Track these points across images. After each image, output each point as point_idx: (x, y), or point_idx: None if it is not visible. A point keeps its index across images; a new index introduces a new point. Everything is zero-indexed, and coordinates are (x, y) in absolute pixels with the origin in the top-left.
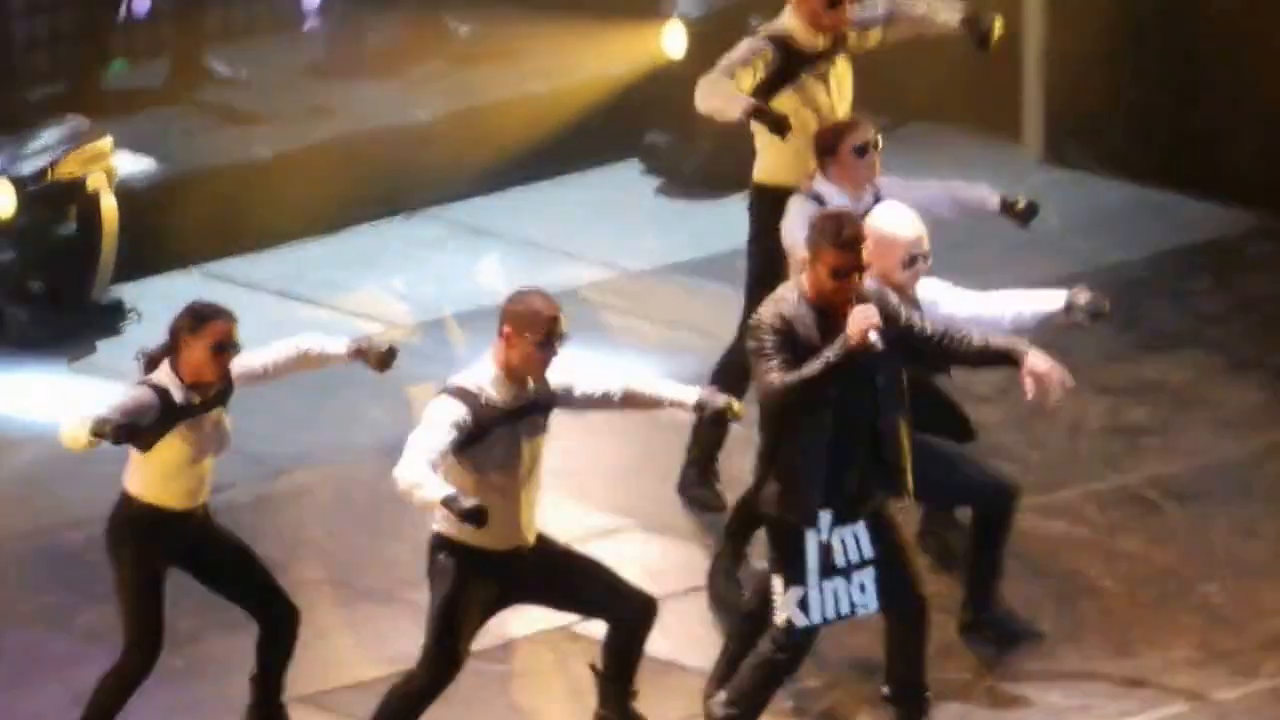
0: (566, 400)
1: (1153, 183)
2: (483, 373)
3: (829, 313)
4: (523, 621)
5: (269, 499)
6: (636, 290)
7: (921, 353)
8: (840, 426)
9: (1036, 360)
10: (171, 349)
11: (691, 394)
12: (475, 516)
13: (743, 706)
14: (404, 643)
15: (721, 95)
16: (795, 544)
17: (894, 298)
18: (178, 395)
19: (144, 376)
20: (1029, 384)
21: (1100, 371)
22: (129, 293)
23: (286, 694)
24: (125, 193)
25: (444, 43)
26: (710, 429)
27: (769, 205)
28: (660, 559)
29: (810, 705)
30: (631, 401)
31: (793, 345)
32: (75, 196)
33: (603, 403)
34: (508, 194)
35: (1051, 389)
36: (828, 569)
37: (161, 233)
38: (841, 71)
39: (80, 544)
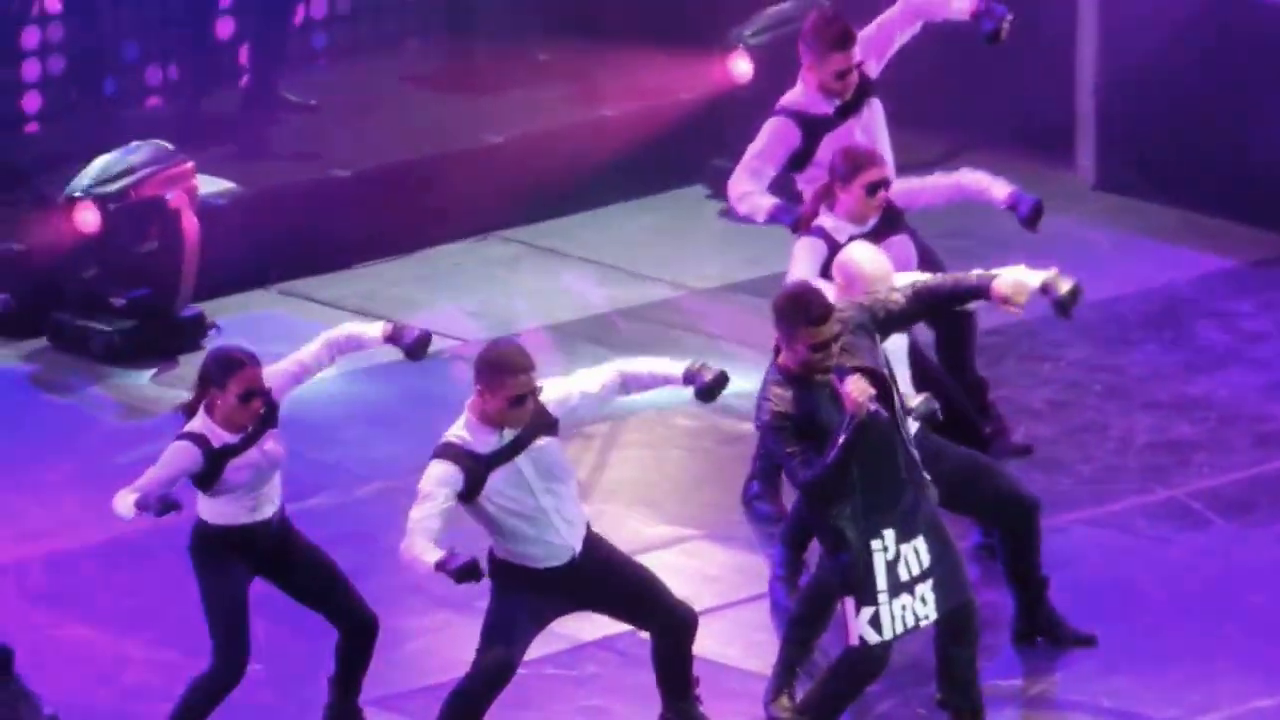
0: (568, 416)
1: (1200, 208)
2: (467, 423)
3: (813, 382)
4: (592, 626)
5: (350, 507)
6: (701, 309)
7: (914, 315)
8: (872, 460)
9: (1001, 284)
10: (202, 397)
11: (679, 367)
12: (469, 575)
13: (812, 717)
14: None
15: (748, 204)
16: (865, 565)
17: (865, 310)
18: (216, 441)
19: (184, 427)
20: (1001, 307)
21: (1149, 387)
22: (209, 308)
23: (363, 697)
24: (206, 212)
25: (520, 68)
26: (703, 402)
27: None
28: (722, 567)
29: (866, 711)
30: (631, 386)
31: (802, 429)
32: (158, 216)
33: (604, 397)
34: (578, 216)
35: (1016, 305)
36: (896, 586)
37: (240, 251)
38: (867, 118)
39: None
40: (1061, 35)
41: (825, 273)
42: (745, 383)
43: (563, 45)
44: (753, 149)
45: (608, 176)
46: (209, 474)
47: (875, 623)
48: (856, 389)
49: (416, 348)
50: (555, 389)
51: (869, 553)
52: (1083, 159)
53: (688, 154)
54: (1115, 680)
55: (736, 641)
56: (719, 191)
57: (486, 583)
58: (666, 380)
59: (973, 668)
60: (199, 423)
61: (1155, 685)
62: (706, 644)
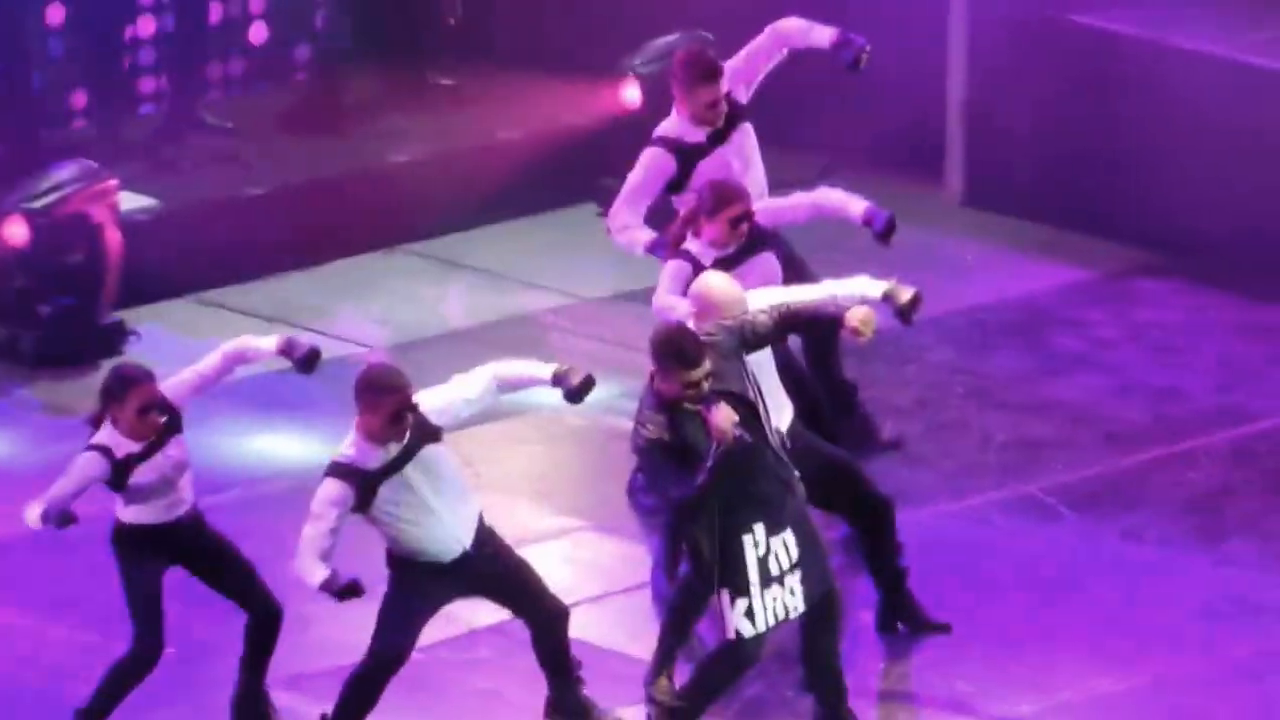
0: (451, 422)
1: (1059, 224)
2: (354, 442)
3: (684, 410)
4: (485, 613)
5: (259, 501)
6: (591, 316)
7: (778, 336)
8: (739, 473)
9: (852, 316)
10: (105, 411)
11: (549, 370)
12: (349, 594)
13: (691, 702)
14: None
15: (626, 237)
16: (737, 559)
17: (734, 333)
18: (120, 451)
19: (91, 438)
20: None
21: (1007, 389)
22: (130, 316)
23: (269, 678)
24: (128, 226)
25: (425, 92)
26: (571, 403)
27: None
28: (609, 557)
29: (736, 695)
30: (505, 387)
31: (674, 452)
32: (83, 230)
33: (482, 399)
34: (477, 230)
35: (864, 335)
36: (766, 579)
37: (160, 263)
38: (739, 142)
39: None
40: (932, 62)
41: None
42: (631, 384)
43: (464, 72)
44: (631, 180)
45: (505, 194)
46: (116, 480)
47: (750, 615)
48: (722, 419)
49: (307, 361)
50: (435, 398)
51: (741, 548)
52: (951, 178)
53: (580, 174)
54: (968, 665)
55: (620, 627)
56: (608, 209)
57: (384, 570)
58: (537, 381)
59: (836, 653)
60: (105, 434)
61: (1005, 670)
62: (592, 629)
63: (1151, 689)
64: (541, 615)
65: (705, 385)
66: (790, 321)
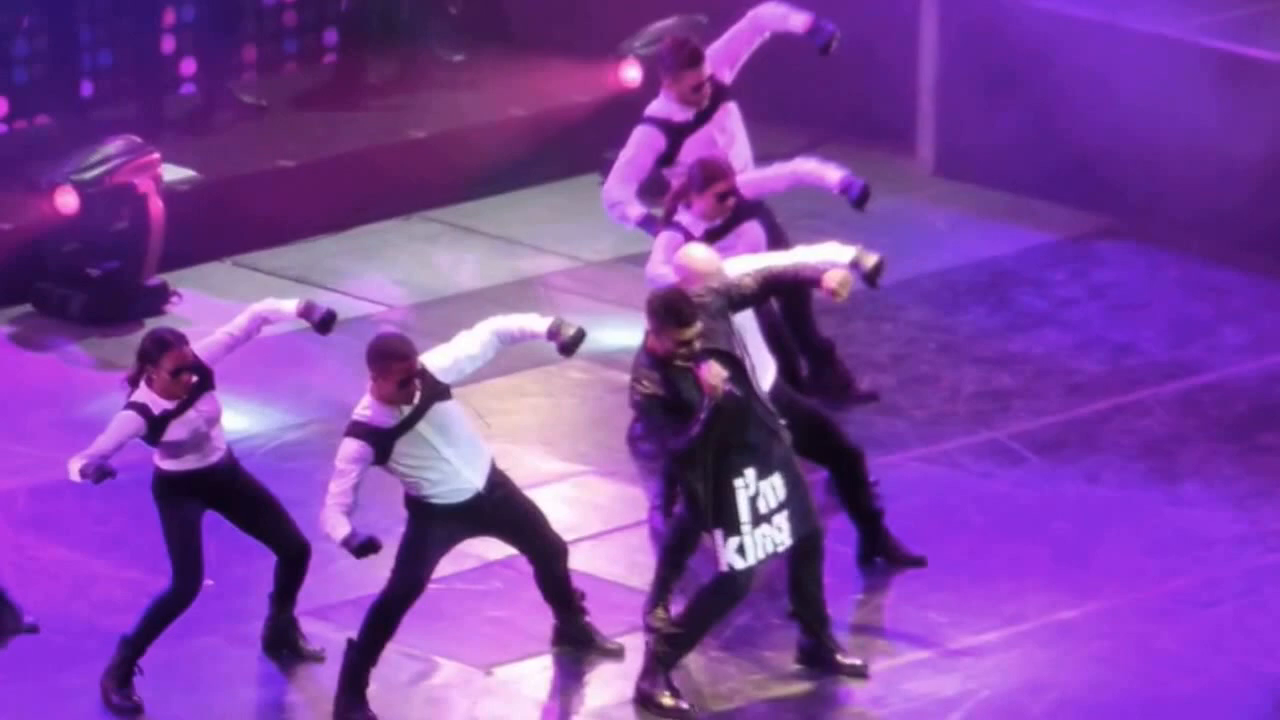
0: (457, 378)
1: (1023, 191)
2: (370, 404)
3: (677, 367)
4: (498, 548)
5: (288, 445)
6: (595, 278)
7: (762, 297)
8: (730, 425)
9: (829, 278)
10: (141, 372)
11: (544, 324)
12: (367, 551)
13: (686, 629)
14: None
15: (618, 211)
16: (729, 501)
17: (722, 295)
18: (156, 408)
19: (129, 397)
20: (829, 297)
21: (975, 345)
22: (171, 278)
23: (298, 609)
24: (170, 196)
25: (440, 73)
26: (564, 356)
27: None
28: (609, 497)
29: (727, 623)
30: (504, 341)
31: (669, 406)
32: (128, 199)
33: (485, 355)
34: (490, 199)
35: (840, 296)
36: (756, 518)
37: (199, 229)
38: (722, 120)
39: None
40: (904, 41)
41: None
42: (630, 339)
43: (477, 54)
44: (623, 157)
45: (514, 166)
46: (152, 435)
47: (741, 551)
48: (712, 375)
49: (324, 323)
50: (441, 358)
51: (732, 490)
52: (923, 149)
53: (583, 147)
54: (942, 595)
55: (620, 561)
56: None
57: (402, 512)
58: (534, 335)
59: (819, 584)
60: (142, 393)
61: (976, 599)
62: (595, 563)
63: (1109, 616)
64: (544, 551)
65: (696, 344)
66: (772, 284)
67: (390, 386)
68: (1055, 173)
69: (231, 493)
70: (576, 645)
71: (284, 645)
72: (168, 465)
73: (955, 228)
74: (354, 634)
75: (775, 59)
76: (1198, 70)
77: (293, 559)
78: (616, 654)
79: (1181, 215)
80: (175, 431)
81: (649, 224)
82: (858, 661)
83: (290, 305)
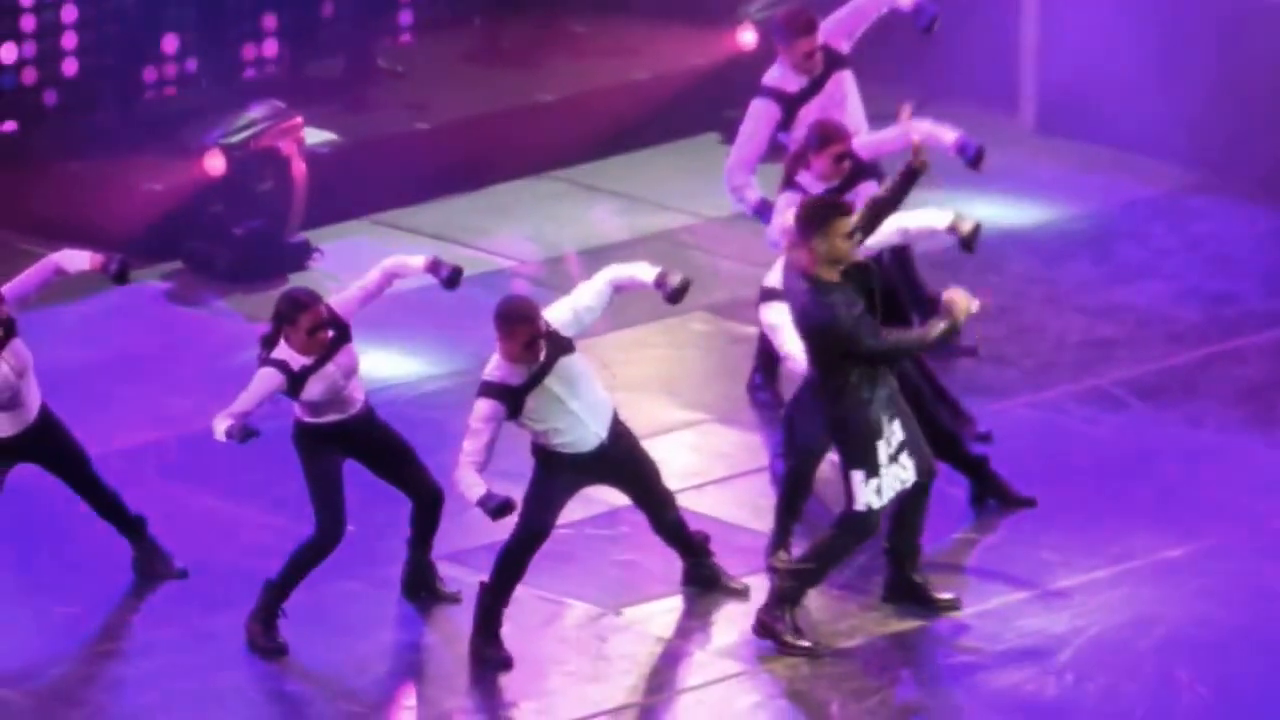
0: (578, 331)
1: (1122, 146)
2: (499, 364)
3: (835, 285)
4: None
5: (426, 395)
6: (715, 233)
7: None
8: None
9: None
10: (279, 331)
11: (652, 273)
12: (502, 512)
13: (814, 565)
14: None
15: (738, 195)
16: (870, 442)
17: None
18: (295, 364)
19: (267, 355)
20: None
21: (1079, 295)
22: (314, 236)
23: (433, 553)
24: (312, 158)
25: (564, 40)
26: (671, 303)
27: None
28: (731, 445)
29: (845, 564)
30: (621, 289)
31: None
32: (272, 161)
33: (601, 305)
34: (614, 159)
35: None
36: (890, 458)
37: (340, 189)
38: (833, 88)
39: None
40: (1007, 6)
41: None
42: (749, 292)
43: (599, 21)
44: (743, 133)
45: (637, 127)
46: (293, 390)
47: (878, 491)
48: (965, 298)
49: (450, 279)
50: (562, 312)
51: (879, 431)
52: (1025, 107)
53: (703, 108)
54: (1051, 535)
55: (746, 506)
56: (729, 138)
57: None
58: (642, 285)
59: (922, 519)
60: (281, 350)
61: (1083, 539)
62: (720, 508)
63: (1211, 556)
64: (655, 502)
65: (856, 238)
66: (874, 204)
67: (516, 347)
68: (1153, 129)
69: (369, 442)
70: (704, 586)
71: (422, 588)
72: (308, 418)
73: (1056, 182)
74: (485, 577)
75: (880, 21)
76: None
77: (428, 505)
78: (742, 593)
79: (1277, 170)
80: (314, 385)
81: (764, 210)
82: (950, 595)
83: (418, 261)
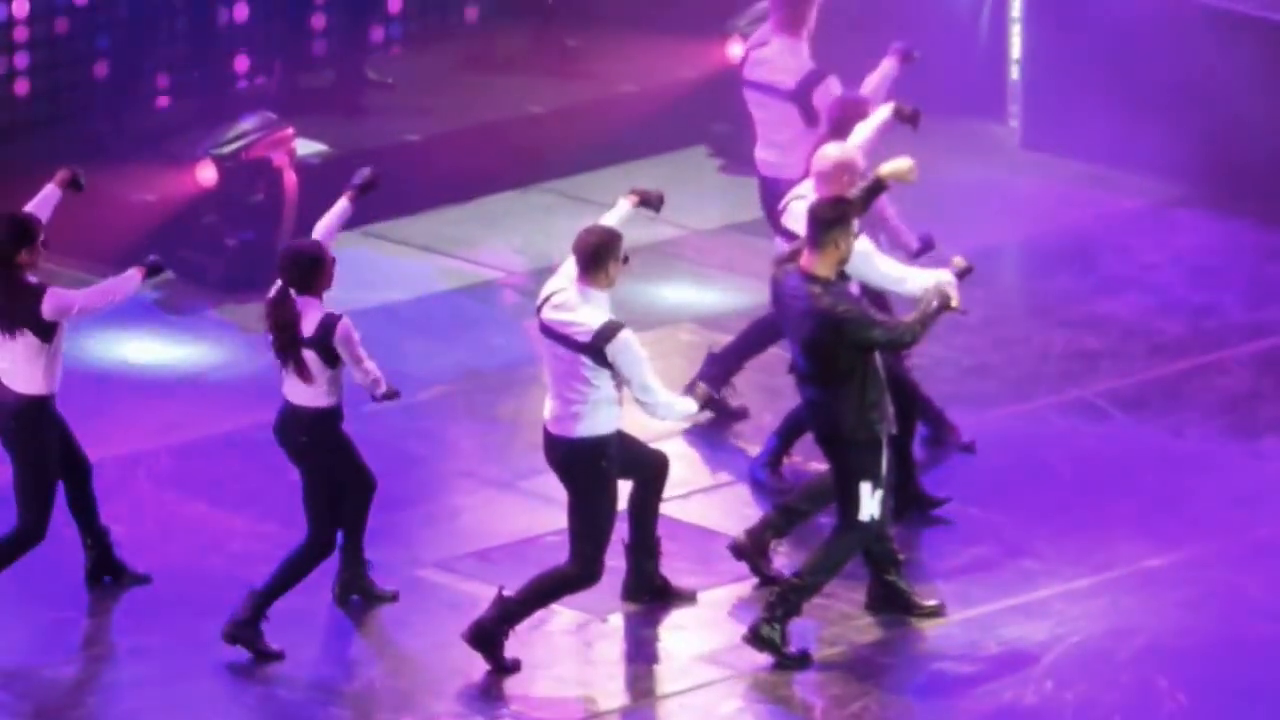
0: None
1: (1107, 161)
2: (598, 302)
3: (838, 284)
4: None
5: (415, 407)
6: (702, 244)
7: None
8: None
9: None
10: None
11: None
12: (708, 403)
13: (818, 577)
14: (519, 521)
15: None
16: (877, 454)
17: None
18: None
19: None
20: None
21: (1063, 307)
22: None
23: (421, 561)
24: (303, 169)
25: (555, 52)
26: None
27: None
28: (718, 454)
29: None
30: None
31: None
32: (264, 172)
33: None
34: (603, 170)
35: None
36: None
37: (331, 200)
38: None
39: None
40: (995, 21)
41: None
42: (736, 304)
43: (590, 33)
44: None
45: (627, 139)
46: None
47: (881, 502)
48: (950, 284)
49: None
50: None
51: (880, 445)
52: (1012, 122)
53: (692, 121)
54: (1033, 544)
55: (729, 515)
56: (717, 151)
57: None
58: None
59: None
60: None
61: (1065, 548)
62: (706, 516)
63: (1192, 565)
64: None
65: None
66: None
67: (607, 274)
68: (1137, 144)
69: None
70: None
71: (355, 590)
72: (330, 400)
73: (1042, 195)
74: (478, 585)
75: (871, 34)
76: (1275, 42)
77: (365, 493)
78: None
79: (1258, 184)
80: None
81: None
82: (934, 602)
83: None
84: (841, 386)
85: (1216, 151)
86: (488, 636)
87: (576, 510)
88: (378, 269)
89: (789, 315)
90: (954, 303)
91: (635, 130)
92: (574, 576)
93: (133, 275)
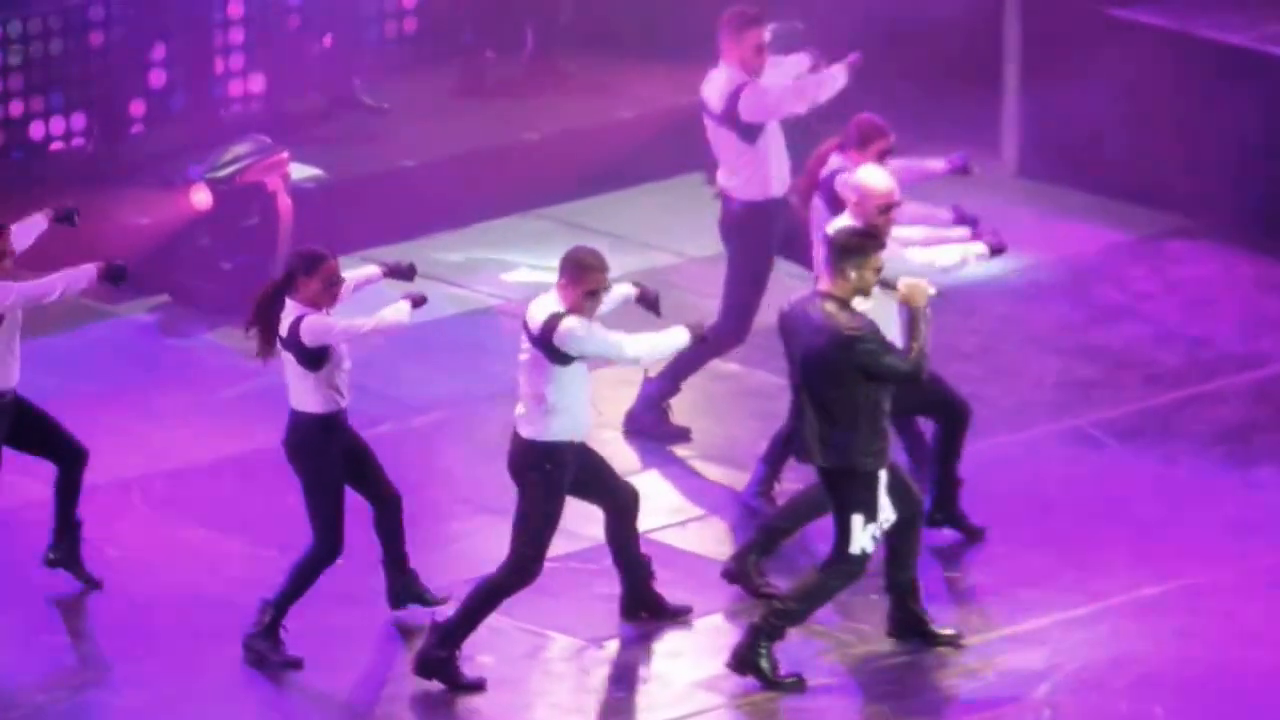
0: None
1: (1103, 192)
2: (559, 302)
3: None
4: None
5: (411, 433)
6: (699, 272)
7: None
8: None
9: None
10: (287, 287)
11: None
12: (698, 332)
13: (799, 605)
14: None
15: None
16: (874, 489)
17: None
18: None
19: (299, 314)
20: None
21: (1058, 336)
22: None
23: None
24: (298, 194)
25: (551, 79)
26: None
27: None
28: (714, 482)
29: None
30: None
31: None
32: (258, 196)
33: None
34: (599, 198)
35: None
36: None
37: (325, 225)
38: None
39: None
40: (991, 50)
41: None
42: None
43: (586, 61)
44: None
45: (623, 166)
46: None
47: (874, 537)
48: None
49: (407, 271)
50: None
51: (878, 480)
52: (1007, 152)
53: (687, 148)
54: (1029, 573)
55: (724, 543)
56: (713, 178)
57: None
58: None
59: (916, 554)
60: (291, 307)
61: (1061, 577)
62: (702, 544)
63: (1188, 595)
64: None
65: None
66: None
67: (578, 296)
68: (1134, 173)
69: (348, 441)
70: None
71: (408, 598)
72: (315, 409)
73: (1037, 225)
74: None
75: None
76: (1271, 77)
77: (391, 509)
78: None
79: (1253, 215)
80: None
81: None
82: (952, 630)
83: (373, 269)
84: (845, 417)
85: (1214, 182)
86: (435, 664)
87: (521, 511)
88: (376, 294)
89: (799, 334)
90: (924, 304)
91: (632, 157)
92: (510, 578)
93: (88, 270)
